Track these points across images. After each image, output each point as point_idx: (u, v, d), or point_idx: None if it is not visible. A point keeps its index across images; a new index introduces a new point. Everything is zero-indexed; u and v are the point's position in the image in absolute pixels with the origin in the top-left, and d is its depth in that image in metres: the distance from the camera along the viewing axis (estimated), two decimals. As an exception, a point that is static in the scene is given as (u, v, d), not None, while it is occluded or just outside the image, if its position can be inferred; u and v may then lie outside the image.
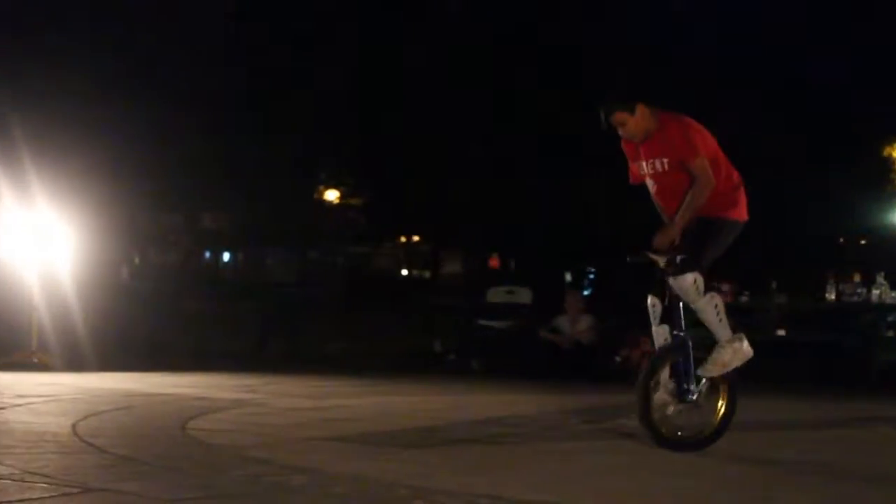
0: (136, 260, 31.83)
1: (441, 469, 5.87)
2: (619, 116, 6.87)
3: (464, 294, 23.68)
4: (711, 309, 6.78)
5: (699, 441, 6.77)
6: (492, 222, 26.92)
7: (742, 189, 7.00)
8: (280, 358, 15.25)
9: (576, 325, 14.30)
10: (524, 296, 15.92)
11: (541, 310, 15.43)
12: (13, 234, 11.96)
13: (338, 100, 22.94)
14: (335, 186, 33.15)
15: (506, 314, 15.49)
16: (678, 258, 6.69)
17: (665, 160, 6.84)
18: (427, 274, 38.45)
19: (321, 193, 32.79)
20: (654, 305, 6.89)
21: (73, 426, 6.87)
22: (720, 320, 6.81)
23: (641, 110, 6.86)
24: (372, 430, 7.46)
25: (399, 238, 40.08)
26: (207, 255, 42.10)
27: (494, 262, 34.73)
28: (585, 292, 21.23)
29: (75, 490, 4.75)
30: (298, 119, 22.94)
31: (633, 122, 6.88)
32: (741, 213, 6.98)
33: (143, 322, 17.69)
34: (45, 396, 8.80)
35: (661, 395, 6.70)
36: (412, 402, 9.89)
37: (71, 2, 20.05)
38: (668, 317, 6.85)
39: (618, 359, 13.59)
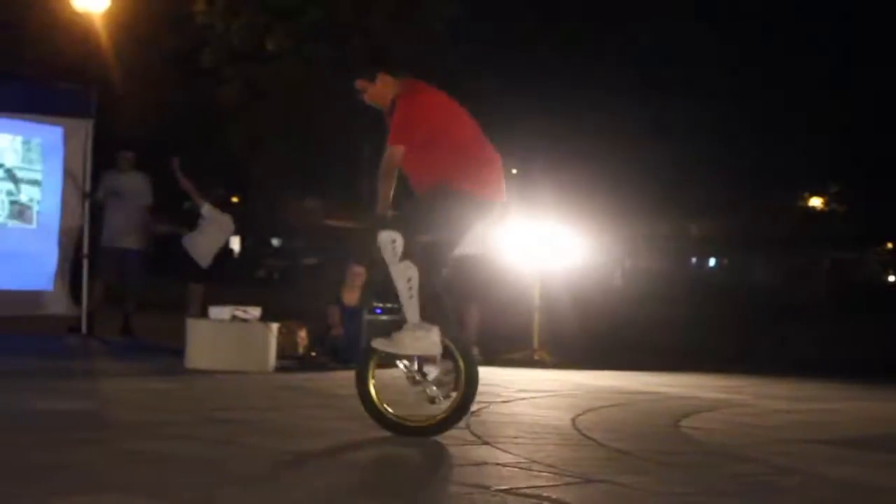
0: (628, 264, 32.33)
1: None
2: (359, 83, 6.47)
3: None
4: (404, 281, 6.02)
5: (433, 427, 6.02)
6: None
7: (489, 169, 6.28)
8: (765, 360, 14.95)
9: None
10: None
11: None
12: (519, 240, 12.44)
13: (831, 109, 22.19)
14: (819, 194, 32.18)
15: None
16: (389, 212, 6.09)
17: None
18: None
19: (806, 200, 31.92)
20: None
21: (573, 420, 7.07)
22: (411, 297, 6.02)
23: (384, 79, 6.41)
24: (855, 435, 7.19)
25: (885, 244, 38.26)
26: (694, 260, 42.13)
27: None
28: None
29: (577, 480, 4.89)
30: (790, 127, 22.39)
31: (372, 91, 6.45)
32: (481, 190, 6.21)
33: (633, 323, 17.94)
34: (545, 391, 9.11)
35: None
36: (892, 409, 9.46)
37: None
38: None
39: None
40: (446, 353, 6.08)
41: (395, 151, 6.20)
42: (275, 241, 48.71)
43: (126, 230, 12.85)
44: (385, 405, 6.12)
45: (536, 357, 12.26)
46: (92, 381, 7.03)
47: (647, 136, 22.00)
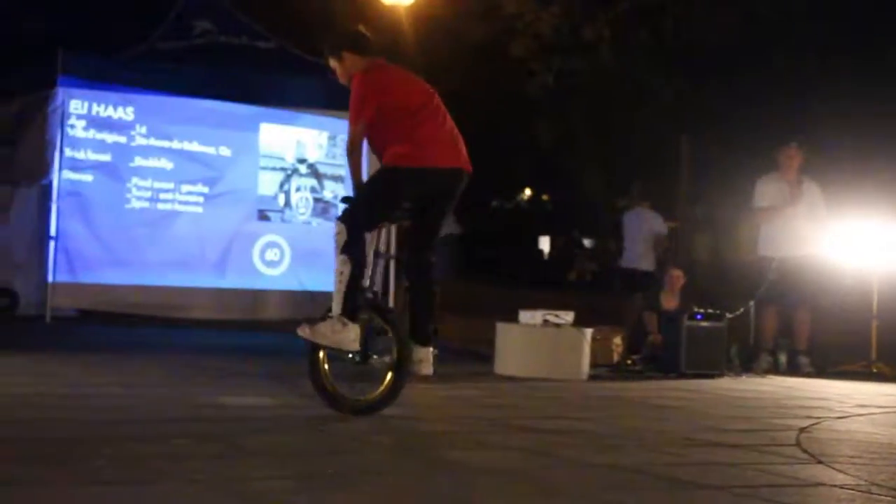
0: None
1: None
2: (329, 61, 7.03)
3: None
4: (337, 274, 6.64)
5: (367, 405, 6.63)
6: None
7: (417, 136, 6.68)
8: None
9: None
10: None
11: None
12: (855, 240, 12.06)
13: None
14: None
15: None
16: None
17: None
18: None
19: None
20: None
21: (918, 440, 6.82)
22: (338, 290, 6.60)
23: (351, 58, 6.94)
24: None
25: None
26: None
27: None
28: None
29: (922, 506, 4.72)
30: None
31: (341, 70, 7.01)
32: (407, 159, 6.66)
33: None
34: (885, 407, 8.79)
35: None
36: None
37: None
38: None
39: None
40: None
41: (351, 132, 6.79)
42: (586, 242, 48.97)
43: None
44: (334, 385, 6.72)
45: (874, 369, 11.85)
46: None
47: None
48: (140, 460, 4.87)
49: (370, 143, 6.92)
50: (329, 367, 6.77)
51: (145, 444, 5.29)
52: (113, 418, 6.19)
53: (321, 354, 6.76)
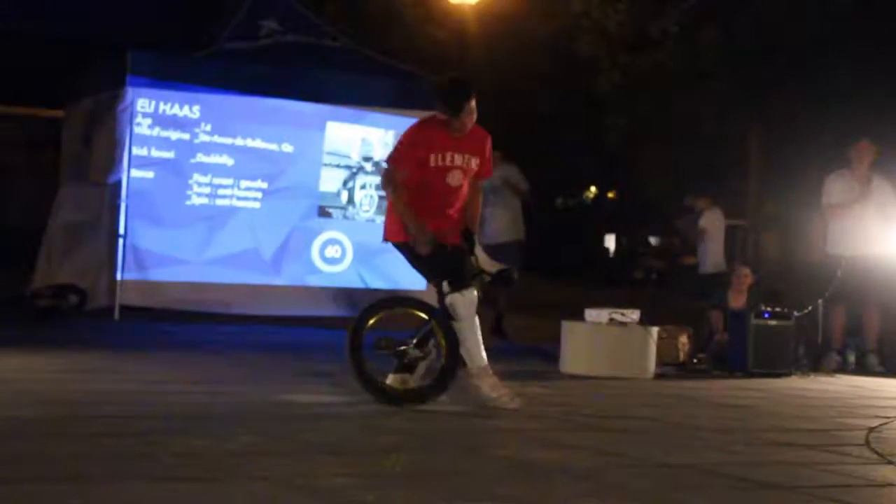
0: None
1: None
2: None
3: None
4: None
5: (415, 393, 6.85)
6: None
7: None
8: None
9: None
10: None
11: None
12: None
13: None
14: None
15: None
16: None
17: (475, 160, 7.24)
18: None
19: None
20: None
21: None
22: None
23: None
24: None
25: None
26: None
27: None
28: None
29: None
30: None
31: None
32: None
33: None
34: None
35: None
36: None
37: None
38: None
39: None
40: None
41: None
42: (652, 240, 48.65)
43: (501, 224, 13.18)
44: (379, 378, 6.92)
45: None
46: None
47: None
48: (209, 457, 4.93)
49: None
50: (369, 363, 6.91)
51: (214, 441, 5.35)
52: (181, 414, 6.25)
53: (362, 353, 6.86)
